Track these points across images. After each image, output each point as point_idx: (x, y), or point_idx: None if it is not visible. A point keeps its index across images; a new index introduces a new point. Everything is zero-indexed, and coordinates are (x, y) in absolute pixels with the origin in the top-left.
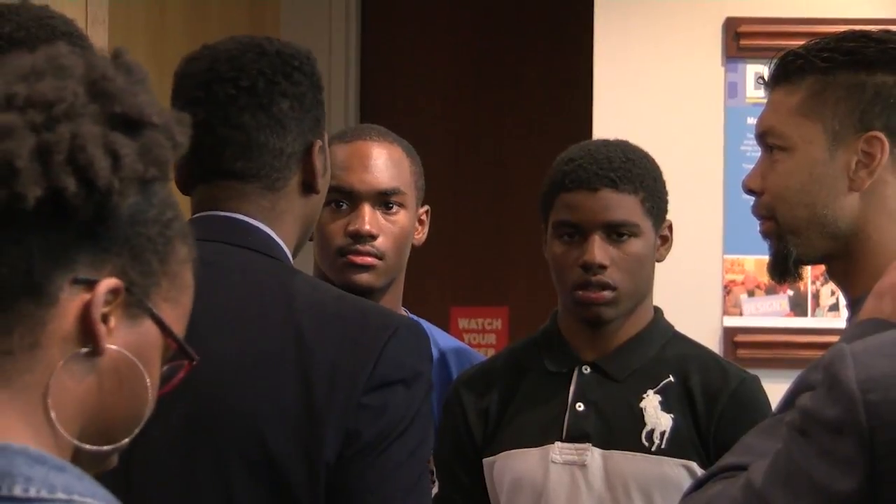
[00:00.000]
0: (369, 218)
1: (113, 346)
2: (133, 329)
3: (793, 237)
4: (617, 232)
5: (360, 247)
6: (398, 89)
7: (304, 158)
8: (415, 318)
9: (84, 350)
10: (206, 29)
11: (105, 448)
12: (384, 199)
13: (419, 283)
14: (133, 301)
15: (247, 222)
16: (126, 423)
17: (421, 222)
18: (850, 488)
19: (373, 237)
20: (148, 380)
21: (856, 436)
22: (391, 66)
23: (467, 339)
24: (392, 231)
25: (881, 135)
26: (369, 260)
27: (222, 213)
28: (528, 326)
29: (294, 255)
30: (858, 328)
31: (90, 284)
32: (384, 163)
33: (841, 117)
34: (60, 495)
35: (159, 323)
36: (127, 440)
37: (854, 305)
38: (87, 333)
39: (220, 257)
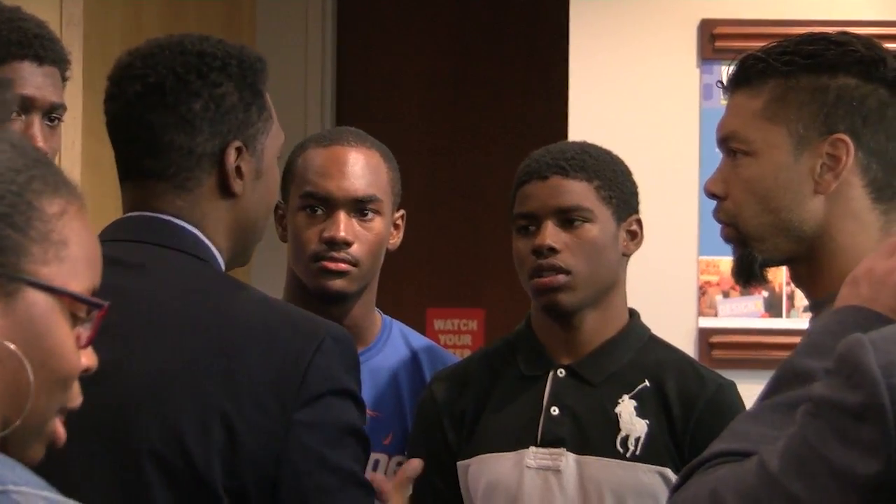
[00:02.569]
0: (344, 225)
1: None
2: (15, 305)
3: (757, 242)
4: (569, 217)
5: (334, 253)
6: (374, 93)
7: (219, 159)
8: (388, 319)
9: None
10: (182, 29)
11: (5, 432)
12: (360, 206)
13: (396, 285)
14: (3, 281)
15: (171, 221)
16: (19, 402)
17: (396, 227)
18: (873, 471)
19: (347, 244)
20: (24, 358)
21: (879, 420)
22: (367, 70)
23: (443, 341)
24: (367, 238)
25: (846, 137)
26: (343, 266)
27: (147, 214)
28: (503, 328)
29: (235, 261)
30: (837, 315)
31: None
32: (361, 169)
33: (805, 121)
34: None
35: (41, 287)
36: (19, 421)
37: (816, 307)
38: None
39: (145, 258)
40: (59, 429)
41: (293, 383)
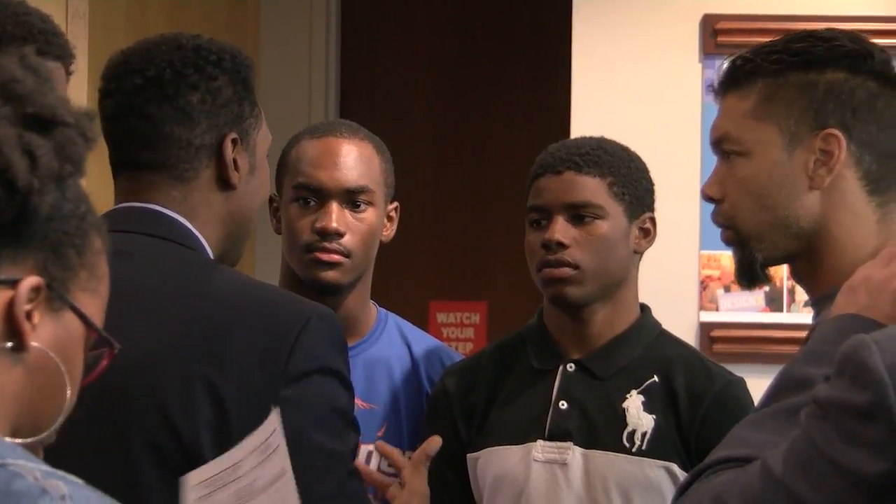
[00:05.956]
0: (337, 216)
1: (35, 344)
2: (56, 323)
3: (756, 242)
4: (579, 213)
5: (326, 244)
6: (378, 88)
7: (217, 151)
8: (384, 311)
9: (9, 344)
10: (187, 23)
11: (30, 440)
12: (352, 197)
13: (399, 278)
14: (54, 296)
15: (159, 212)
16: (49, 416)
17: (390, 219)
18: (881, 471)
19: (340, 235)
20: (66, 375)
21: (886, 419)
22: (372, 64)
23: (446, 334)
24: (360, 229)
25: (837, 131)
26: (336, 257)
27: (136, 204)
28: (506, 321)
29: (227, 257)
30: (835, 323)
31: (13, 283)
32: (354, 160)
33: (796, 117)
34: None
35: (80, 315)
36: (46, 433)
37: (817, 303)
38: (13, 330)
39: (132, 247)
40: None
41: (280, 361)
